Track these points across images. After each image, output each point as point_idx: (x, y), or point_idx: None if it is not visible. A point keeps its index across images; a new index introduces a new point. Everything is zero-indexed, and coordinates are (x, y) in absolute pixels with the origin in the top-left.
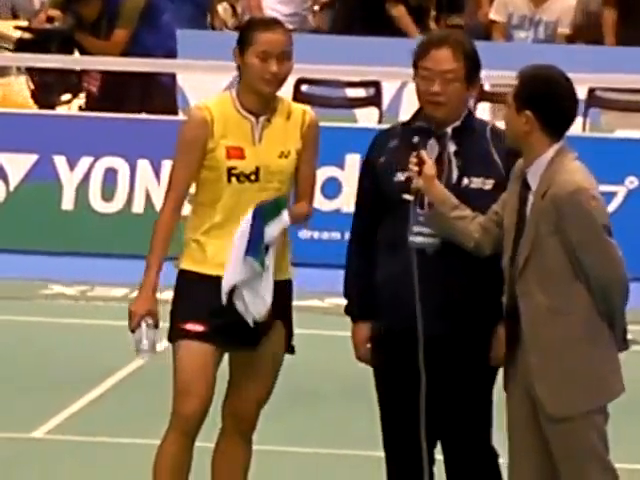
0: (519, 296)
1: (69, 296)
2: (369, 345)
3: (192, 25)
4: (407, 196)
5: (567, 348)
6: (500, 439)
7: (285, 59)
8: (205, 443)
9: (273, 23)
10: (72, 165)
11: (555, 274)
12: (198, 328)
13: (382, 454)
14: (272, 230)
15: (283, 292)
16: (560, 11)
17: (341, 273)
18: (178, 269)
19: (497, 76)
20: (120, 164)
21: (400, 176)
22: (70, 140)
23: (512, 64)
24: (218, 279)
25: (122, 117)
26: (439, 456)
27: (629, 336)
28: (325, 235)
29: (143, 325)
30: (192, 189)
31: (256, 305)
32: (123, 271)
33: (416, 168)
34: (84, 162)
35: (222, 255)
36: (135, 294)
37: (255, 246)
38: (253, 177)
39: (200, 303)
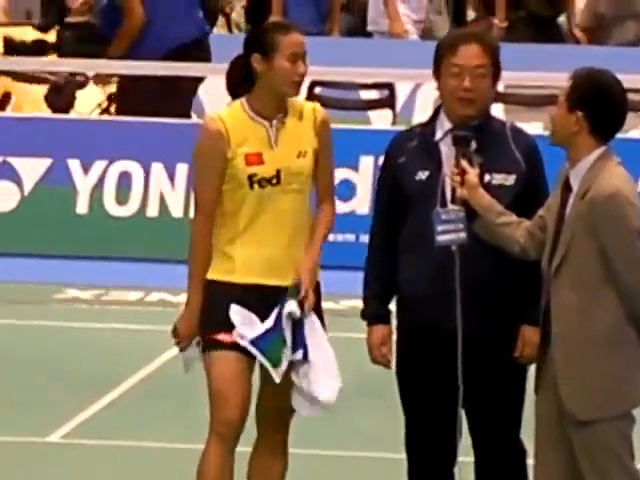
0: (552, 296)
1: (84, 300)
2: (384, 348)
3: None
4: (454, 206)
5: (593, 351)
6: (528, 437)
7: (305, 60)
8: (241, 447)
9: (289, 25)
10: (86, 169)
11: (587, 276)
12: (230, 338)
13: (396, 455)
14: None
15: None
16: (570, 11)
17: (356, 275)
18: (207, 279)
19: (511, 77)
20: (134, 168)
21: (421, 175)
22: (84, 144)
23: (520, 65)
24: (247, 287)
25: (136, 120)
26: (461, 457)
27: None
28: (340, 237)
29: (193, 343)
30: None
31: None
32: (138, 275)
33: (459, 178)
34: (98, 166)
35: (250, 263)
36: (151, 298)
37: (269, 340)
38: (274, 181)
39: (228, 313)
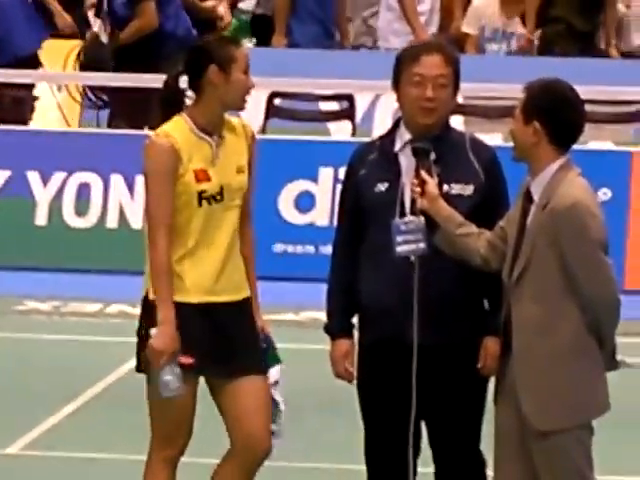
0: (513, 307)
1: (43, 311)
2: (347, 362)
3: (317, 44)
4: (413, 217)
5: (554, 363)
6: (487, 448)
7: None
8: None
9: (238, 38)
10: (45, 180)
11: (548, 287)
12: (189, 361)
13: (359, 467)
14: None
15: (247, 309)
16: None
17: (316, 286)
18: (151, 298)
19: (469, 89)
20: (93, 179)
21: (380, 186)
22: (43, 156)
23: (484, 77)
24: (199, 306)
25: (95, 132)
26: (420, 468)
27: (618, 356)
28: (299, 249)
29: (170, 365)
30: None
31: None
32: (97, 286)
33: (419, 189)
34: (57, 177)
35: (200, 281)
36: (111, 309)
37: None
38: (219, 197)
39: (186, 334)
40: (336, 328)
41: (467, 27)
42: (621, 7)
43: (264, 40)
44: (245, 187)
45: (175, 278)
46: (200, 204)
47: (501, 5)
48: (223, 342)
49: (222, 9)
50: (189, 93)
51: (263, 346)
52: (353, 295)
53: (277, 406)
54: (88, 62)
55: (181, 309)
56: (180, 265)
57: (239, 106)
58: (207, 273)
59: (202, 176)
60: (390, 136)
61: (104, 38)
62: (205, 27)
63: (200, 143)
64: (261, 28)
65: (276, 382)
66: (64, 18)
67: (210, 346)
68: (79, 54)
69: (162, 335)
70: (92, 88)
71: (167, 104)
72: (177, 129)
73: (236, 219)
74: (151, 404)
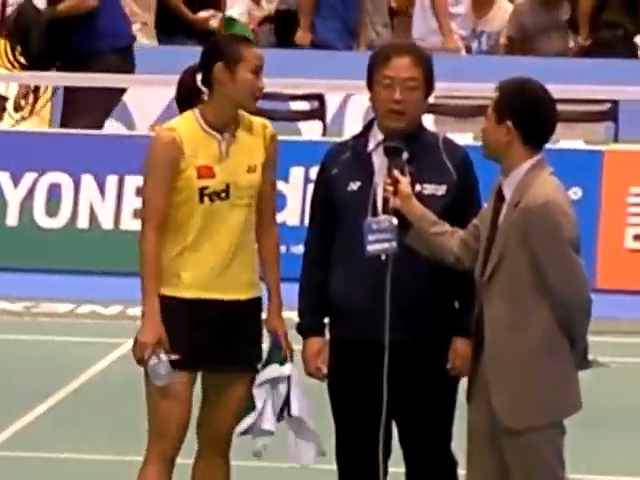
0: (484, 305)
1: (14, 312)
2: (319, 361)
3: (339, 41)
4: (384, 216)
5: (525, 361)
6: (459, 447)
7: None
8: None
9: (249, 39)
10: (16, 181)
11: (519, 286)
12: (174, 356)
13: (331, 467)
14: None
15: (252, 311)
16: (502, 22)
17: (287, 286)
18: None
19: (440, 88)
20: (64, 179)
21: (352, 185)
22: (14, 156)
23: (455, 76)
24: (193, 302)
25: (65, 132)
26: (391, 468)
27: (590, 355)
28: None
29: (156, 355)
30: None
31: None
32: (68, 287)
33: (391, 188)
34: (28, 178)
35: (197, 278)
36: (82, 310)
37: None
38: (224, 195)
39: (175, 329)
40: (308, 327)
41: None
42: None
43: (287, 36)
44: (255, 187)
45: (172, 272)
46: (202, 200)
47: (472, 5)
48: (217, 338)
49: (215, 22)
50: (204, 89)
51: (264, 346)
52: (325, 294)
53: (253, 406)
54: (19, 24)
55: (174, 303)
56: (179, 260)
57: (247, 106)
58: (207, 270)
59: (205, 172)
60: (363, 136)
61: (41, 4)
62: (199, 38)
63: (208, 139)
64: (284, 24)
65: (265, 382)
66: None
67: (202, 342)
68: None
69: (145, 327)
70: (13, 49)
71: (182, 101)
72: (185, 124)
73: (246, 218)
74: (148, 398)
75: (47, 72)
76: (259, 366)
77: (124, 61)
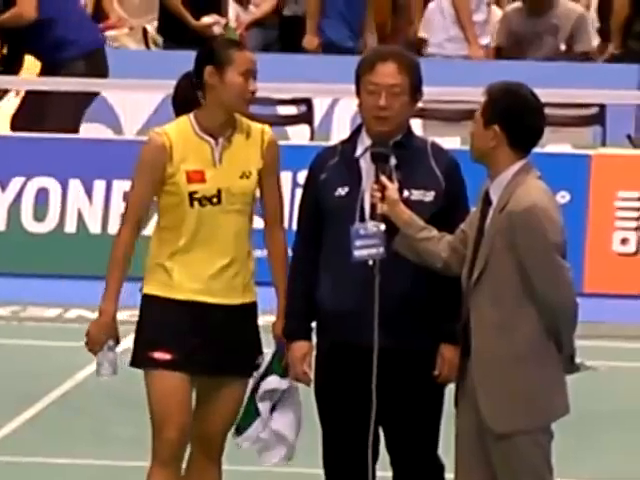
0: (471, 309)
1: (1, 317)
2: (305, 365)
3: (345, 45)
4: (372, 222)
5: (512, 365)
6: (447, 451)
7: (256, 79)
8: None
9: (242, 43)
10: (3, 186)
11: (506, 290)
12: (167, 356)
13: (317, 471)
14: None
15: (246, 315)
16: (490, 27)
17: (270, 291)
18: (142, 293)
19: (428, 92)
20: (52, 184)
21: (340, 191)
22: (1, 161)
23: (442, 80)
24: (185, 304)
25: (53, 137)
26: (379, 472)
27: (578, 359)
28: (257, 253)
29: (105, 348)
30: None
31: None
32: (56, 291)
33: (379, 194)
34: (15, 182)
35: (188, 280)
36: (70, 314)
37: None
38: (215, 200)
39: (168, 330)
40: (295, 331)
41: (423, 32)
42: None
43: (293, 41)
44: (249, 193)
45: (164, 274)
46: (192, 205)
47: (455, 10)
48: (208, 342)
49: (218, 29)
50: (200, 94)
51: (266, 353)
52: (313, 299)
53: (257, 414)
54: None
55: (165, 305)
56: (170, 262)
57: (237, 109)
58: (199, 273)
59: (195, 177)
60: (351, 141)
61: None
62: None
63: (200, 144)
64: (290, 30)
65: (269, 392)
66: None
67: (192, 343)
68: None
69: (97, 321)
70: None
71: (179, 105)
72: (178, 128)
73: (239, 224)
74: (148, 402)
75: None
76: (259, 372)
77: (93, 66)
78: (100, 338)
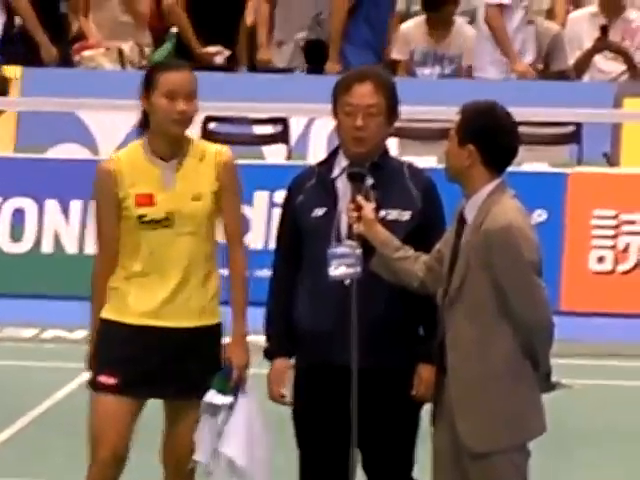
0: (447, 328)
1: None
2: (282, 386)
3: None
4: (348, 242)
5: (487, 384)
6: (423, 470)
7: (192, 98)
8: None
9: (175, 64)
10: None
11: (482, 309)
12: (110, 381)
13: None
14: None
15: (204, 338)
16: (463, 45)
17: (251, 310)
18: (100, 317)
19: (403, 111)
20: (28, 204)
21: (318, 212)
22: None
23: (418, 99)
24: (138, 328)
25: (29, 157)
26: None
27: (554, 378)
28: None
29: None
30: None
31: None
32: (32, 312)
33: (355, 214)
34: None
35: (143, 304)
36: (46, 335)
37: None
38: (166, 223)
39: (116, 354)
40: (275, 350)
41: (396, 53)
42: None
43: (317, 65)
44: (201, 215)
45: (119, 298)
46: (142, 228)
47: (428, 29)
48: (160, 366)
49: (220, 59)
50: None
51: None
52: (292, 318)
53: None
54: None
55: (118, 328)
56: (126, 286)
57: (167, 131)
58: (152, 297)
59: (143, 201)
60: (328, 162)
61: None
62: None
63: (151, 168)
64: (314, 53)
65: (207, 405)
66: (50, 49)
67: (141, 368)
68: None
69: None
70: None
71: (141, 127)
72: (128, 153)
73: (192, 246)
74: (90, 410)
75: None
76: None
77: None
78: None
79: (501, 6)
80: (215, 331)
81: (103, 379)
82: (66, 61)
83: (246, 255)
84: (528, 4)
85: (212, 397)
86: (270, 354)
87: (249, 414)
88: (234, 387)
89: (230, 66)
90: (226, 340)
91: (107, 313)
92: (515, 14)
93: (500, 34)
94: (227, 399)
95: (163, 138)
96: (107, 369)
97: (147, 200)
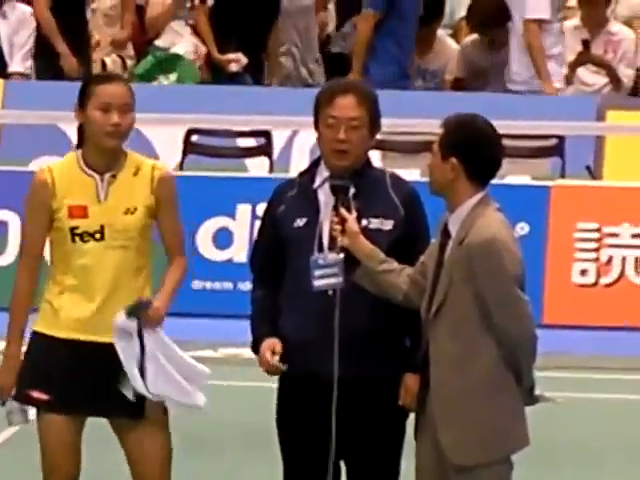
0: (430, 341)
1: None
2: (273, 354)
3: (393, 84)
4: (331, 252)
5: (471, 398)
6: None
7: (126, 111)
8: None
9: (110, 76)
10: None
11: (465, 322)
12: (43, 397)
13: None
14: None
15: None
16: (445, 59)
17: (235, 323)
18: (31, 329)
19: (386, 124)
20: (11, 217)
21: (299, 222)
22: None
23: (401, 112)
24: (67, 342)
25: (13, 170)
26: None
27: (537, 391)
28: (217, 285)
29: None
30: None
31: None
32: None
33: (339, 227)
34: None
35: (74, 318)
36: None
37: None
38: (98, 235)
39: (47, 369)
40: (264, 335)
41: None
42: None
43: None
44: (134, 229)
45: (51, 311)
46: (74, 240)
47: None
48: (92, 381)
49: (235, 67)
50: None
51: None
52: (276, 319)
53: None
54: None
55: (49, 342)
56: (58, 298)
57: (101, 144)
58: (83, 310)
59: (77, 212)
60: (310, 172)
61: None
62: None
63: (85, 180)
64: (338, 66)
65: (119, 329)
66: (71, 61)
67: (74, 383)
68: None
69: (3, 369)
70: None
71: (78, 138)
72: (63, 165)
73: (123, 260)
74: (39, 436)
75: None
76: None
77: None
78: (7, 385)
79: (540, 21)
80: None
81: (37, 395)
82: (88, 72)
83: (188, 266)
84: (562, 16)
85: (121, 320)
86: (257, 341)
87: (155, 344)
88: (140, 307)
89: (257, 78)
90: None
91: (39, 326)
92: (553, 26)
93: (536, 53)
94: (133, 323)
95: (97, 150)
96: (39, 384)
97: (80, 212)
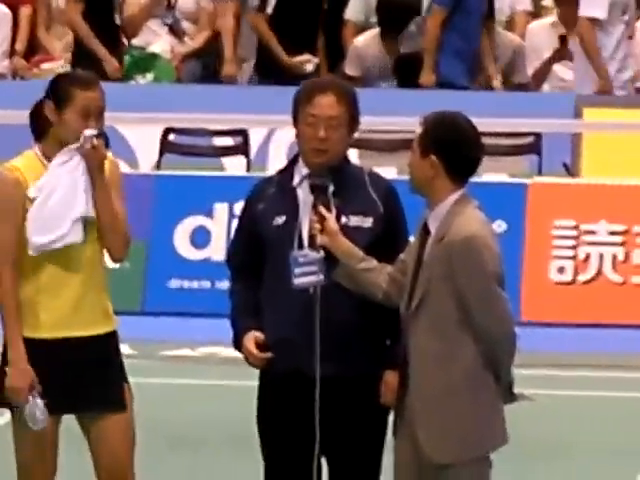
0: (409, 339)
1: None
2: (253, 346)
3: (461, 81)
4: (311, 249)
5: (450, 395)
6: None
7: (101, 115)
8: None
9: (90, 79)
10: None
11: (444, 320)
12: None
13: None
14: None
15: (107, 345)
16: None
17: (213, 322)
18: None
19: (363, 122)
20: None
21: (278, 220)
22: None
23: (378, 110)
24: (54, 342)
25: None
26: None
27: (516, 389)
28: (195, 284)
29: (32, 398)
30: None
31: None
32: None
33: (318, 226)
34: None
35: (55, 316)
36: None
37: None
38: None
39: (37, 371)
40: (244, 325)
41: (349, 69)
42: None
43: (409, 79)
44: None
45: (30, 313)
46: None
47: (383, 44)
48: (75, 378)
49: (310, 66)
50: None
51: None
52: (256, 312)
53: None
54: None
55: (34, 345)
56: (36, 300)
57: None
58: (62, 307)
59: None
60: (288, 170)
61: None
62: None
63: None
64: (409, 67)
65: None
66: (112, 63)
67: (60, 382)
68: None
69: (15, 372)
70: None
71: (38, 133)
72: (26, 163)
73: (91, 254)
74: (14, 438)
75: None
76: None
77: None
78: (23, 387)
79: (595, 21)
80: (116, 337)
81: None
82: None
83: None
84: (628, 18)
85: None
86: (239, 334)
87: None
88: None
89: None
90: None
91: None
92: (615, 29)
93: (589, 48)
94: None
95: (60, 145)
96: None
97: None
